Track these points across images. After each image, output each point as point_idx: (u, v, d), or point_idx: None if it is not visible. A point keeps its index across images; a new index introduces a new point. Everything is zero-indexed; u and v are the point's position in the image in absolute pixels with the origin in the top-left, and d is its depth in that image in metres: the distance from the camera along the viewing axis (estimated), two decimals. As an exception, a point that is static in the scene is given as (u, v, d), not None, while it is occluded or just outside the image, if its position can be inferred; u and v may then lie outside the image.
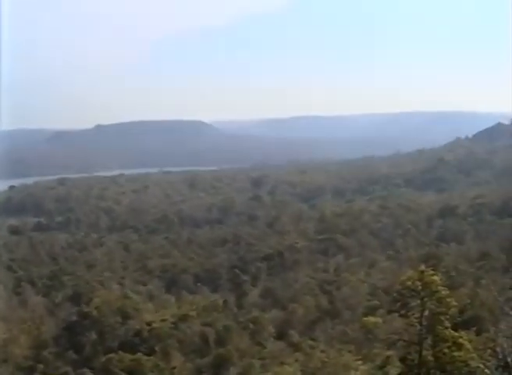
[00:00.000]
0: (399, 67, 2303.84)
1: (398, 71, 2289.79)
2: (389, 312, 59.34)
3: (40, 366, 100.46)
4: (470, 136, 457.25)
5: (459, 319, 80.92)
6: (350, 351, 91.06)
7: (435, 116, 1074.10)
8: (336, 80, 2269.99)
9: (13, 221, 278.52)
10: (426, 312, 50.00)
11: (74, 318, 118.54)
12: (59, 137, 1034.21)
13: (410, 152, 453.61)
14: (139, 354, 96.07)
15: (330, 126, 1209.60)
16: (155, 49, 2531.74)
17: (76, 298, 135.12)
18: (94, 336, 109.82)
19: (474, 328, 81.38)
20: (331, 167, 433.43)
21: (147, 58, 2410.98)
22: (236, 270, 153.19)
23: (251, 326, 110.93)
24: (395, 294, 52.13)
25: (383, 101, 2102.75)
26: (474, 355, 48.39)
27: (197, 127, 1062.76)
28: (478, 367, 42.40)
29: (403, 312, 51.07)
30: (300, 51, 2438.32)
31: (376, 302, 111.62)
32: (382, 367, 68.67)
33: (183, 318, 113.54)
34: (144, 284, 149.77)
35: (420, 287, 49.53)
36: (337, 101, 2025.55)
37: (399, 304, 51.19)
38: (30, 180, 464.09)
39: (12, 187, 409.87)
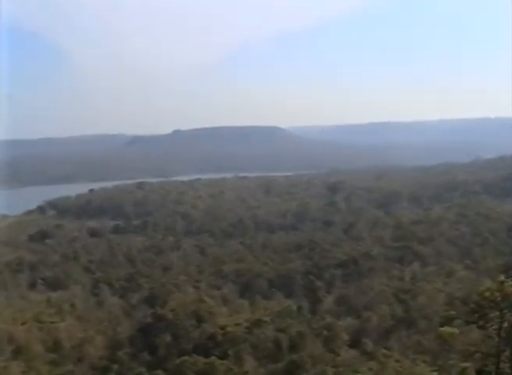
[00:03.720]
0: (480, 71, 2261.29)
1: (479, 76, 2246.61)
2: (467, 322, 57.94)
3: (115, 367, 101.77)
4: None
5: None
6: (424, 362, 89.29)
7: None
8: (414, 84, 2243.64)
9: (92, 223, 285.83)
10: (505, 324, 48.73)
11: (149, 320, 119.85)
12: (138, 141, 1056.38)
13: (490, 159, 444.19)
14: (212, 357, 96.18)
15: (408, 132, 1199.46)
16: (234, 55, 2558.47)
17: (151, 301, 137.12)
18: (168, 338, 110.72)
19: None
20: (408, 173, 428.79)
21: (226, 63, 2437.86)
22: (311, 276, 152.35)
23: (325, 333, 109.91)
24: (473, 305, 51.01)
25: (462, 106, 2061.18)
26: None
27: (272, 133, 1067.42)
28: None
29: (481, 323, 49.94)
30: (376, 56, 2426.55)
31: (453, 312, 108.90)
32: (458, 379, 67.05)
33: (257, 323, 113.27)
34: (219, 288, 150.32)
35: (499, 299, 48.34)
36: (415, 107, 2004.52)
37: (477, 315, 50.08)
38: (109, 184, 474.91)
39: (91, 191, 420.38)
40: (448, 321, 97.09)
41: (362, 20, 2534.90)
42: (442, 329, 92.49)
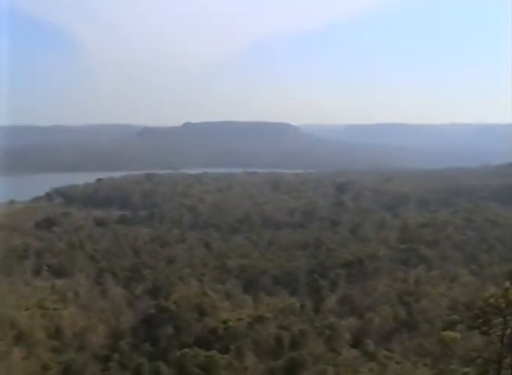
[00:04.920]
0: (494, 76, 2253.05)
1: (492, 81, 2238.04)
2: (470, 328, 57.66)
3: (116, 356, 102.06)
4: None
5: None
6: (425, 365, 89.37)
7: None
8: (425, 88, 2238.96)
9: (99, 213, 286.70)
10: (508, 331, 48.65)
11: (152, 311, 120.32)
12: (148, 132, 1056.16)
13: (500, 165, 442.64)
14: (213, 351, 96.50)
15: (417, 134, 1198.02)
16: (249, 51, 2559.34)
17: (155, 292, 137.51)
18: (170, 330, 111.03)
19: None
20: (416, 176, 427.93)
21: (241, 58, 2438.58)
22: (315, 275, 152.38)
23: (327, 331, 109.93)
24: (476, 311, 50.87)
25: (475, 111, 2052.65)
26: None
27: (283, 130, 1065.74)
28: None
29: (484, 329, 49.81)
30: (389, 58, 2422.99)
31: (456, 317, 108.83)
32: (458, 384, 66.93)
33: (259, 319, 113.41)
34: (223, 283, 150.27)
35: (503, 305, 48.21)
36: (426, 110, 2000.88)
37: (480, 320, 49.95)
38: (117, 174, 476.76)
39: (99, 180, 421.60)
40: (450, 325, 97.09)
41: (376, 22, 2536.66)
42: (444, 333, 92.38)
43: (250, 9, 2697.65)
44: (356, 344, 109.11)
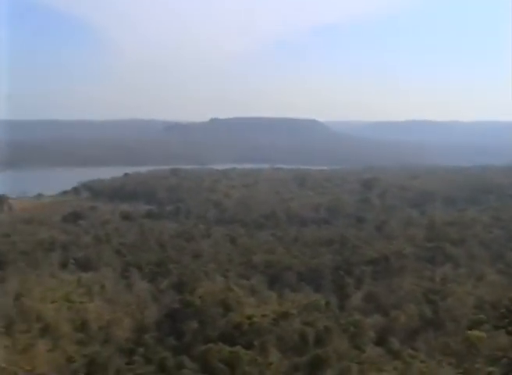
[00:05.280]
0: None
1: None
2: (496, 327, 57.50)
3: (141, 350, 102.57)
4: None
5: None
6: (450, 364, 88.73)
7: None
8: (454, 84, 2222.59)
9: (126, 207, 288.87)
10: (535, 331, 48.27)
11: (177, 305, 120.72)
12: (175, 128, 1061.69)
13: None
14: (237, 347, 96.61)
15: (446, 131, 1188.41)
16: (274, 46, 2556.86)
17: (180, 287, 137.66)
18: (195, 325, 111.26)
19: None
20: (444, 174, 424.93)
21: (265, 55, 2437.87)
22: (341, 272, 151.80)
23: (352, 329, 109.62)
24: (503, 310, 50.67)
25: (501, 108, 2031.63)
26: None
27: (310, 126, 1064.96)
28: None
29: (510, 328, 49.66)
30: (415, 54, 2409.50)
31: (482, 316, 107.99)
32: (483, 383, 66.56)
33: (284, 315, 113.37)
34: (248, 278, 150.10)
35: (530, 305, 47.84)
36: (453, 107, 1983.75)
37: (506, 320, 49.73)
38: (143, 169, 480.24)
39: (126, 175, 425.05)
40: (476, 325, 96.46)
41: (401, 17, 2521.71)
42: (470, 332, 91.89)
43: (275, 3, 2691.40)
44: (380, 342, 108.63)
